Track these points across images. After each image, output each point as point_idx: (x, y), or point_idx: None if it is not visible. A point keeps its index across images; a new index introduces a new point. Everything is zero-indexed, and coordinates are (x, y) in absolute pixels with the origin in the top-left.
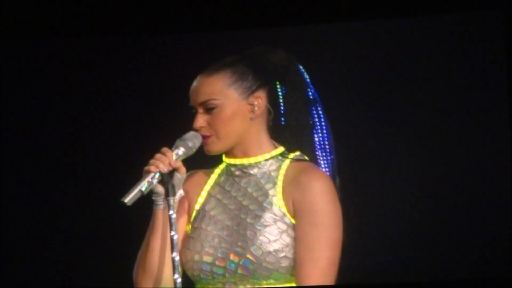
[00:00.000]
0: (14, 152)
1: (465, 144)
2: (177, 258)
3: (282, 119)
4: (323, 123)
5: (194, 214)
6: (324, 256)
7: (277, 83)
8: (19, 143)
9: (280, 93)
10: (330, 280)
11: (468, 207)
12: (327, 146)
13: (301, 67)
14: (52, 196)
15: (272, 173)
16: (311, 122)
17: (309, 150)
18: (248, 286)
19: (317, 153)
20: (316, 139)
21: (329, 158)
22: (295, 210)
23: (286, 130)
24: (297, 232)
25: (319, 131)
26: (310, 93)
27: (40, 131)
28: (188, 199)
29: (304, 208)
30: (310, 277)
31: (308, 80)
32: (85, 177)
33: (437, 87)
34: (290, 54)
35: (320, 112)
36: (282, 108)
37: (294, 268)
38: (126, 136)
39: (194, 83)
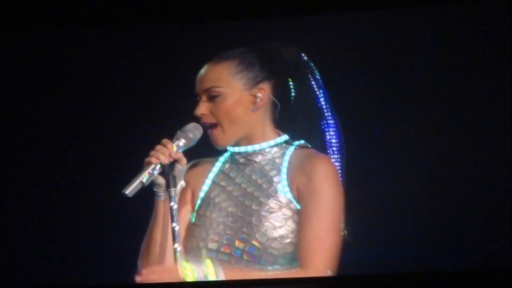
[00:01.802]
0: (14, 143)
1: (470, 136)
2: (179, 249)
3: (290, 114)
4: (331, 122)
5: (198, 201)
6: (330, 236)
7: (289, 79)
8: (19, 133)
9: (288, 90)
10: (333, 263)
11: (473, 198)
12: (333, 144)
13: (312, 64)
14: (54, 188)
15: (277, 160)
16: (319, 120)
17: (317, 148)
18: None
19: (327, 151)
20: (324, 136)
21: (337, 156)
22: (300, 195)
23: (293, 126)
24: (303, 215)
25: (326, 129)
26: (320, 92)
27: (39, 122)
28: (192, 187)
29: (309, 192)
30: (318, 255)
31: (319, 77)
32: (86, 169)
33: (444, 78)
34: (301, 52)
35: (329, 114)
36: (290, 104)
37: (298, 249)
38: (127, 127)
39: (201, 70)
